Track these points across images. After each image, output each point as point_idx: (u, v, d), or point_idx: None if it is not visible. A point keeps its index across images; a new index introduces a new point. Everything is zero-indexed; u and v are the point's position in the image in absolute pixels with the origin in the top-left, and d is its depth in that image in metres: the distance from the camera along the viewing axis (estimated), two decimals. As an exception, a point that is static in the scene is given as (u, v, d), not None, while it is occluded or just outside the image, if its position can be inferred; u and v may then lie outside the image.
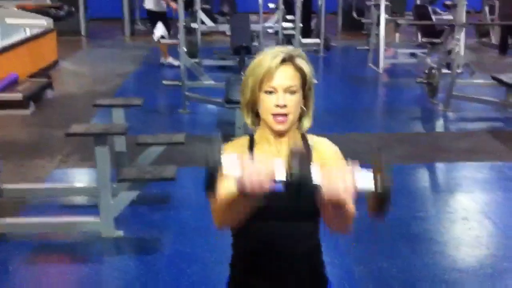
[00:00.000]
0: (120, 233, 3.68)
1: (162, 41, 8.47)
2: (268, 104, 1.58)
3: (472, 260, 3.51)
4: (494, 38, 11.32)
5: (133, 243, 3.68)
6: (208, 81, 6.79)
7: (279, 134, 1.64)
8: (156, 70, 9.38)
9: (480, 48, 10.99)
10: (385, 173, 1.29)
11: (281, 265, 1.67)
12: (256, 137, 1.69)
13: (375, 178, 1.30)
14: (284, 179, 1.28)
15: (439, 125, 6.62)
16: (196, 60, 8.11)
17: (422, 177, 5.05)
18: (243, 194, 1.30)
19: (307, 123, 1.69)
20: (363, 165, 1.34)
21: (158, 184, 3.96)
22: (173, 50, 9.36)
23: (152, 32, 9.35)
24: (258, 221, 1.61)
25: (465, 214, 4.12)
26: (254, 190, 1.28)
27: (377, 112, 7.17)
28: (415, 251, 3.61)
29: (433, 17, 9.34)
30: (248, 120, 1.68)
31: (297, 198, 1.26)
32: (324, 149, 1.68)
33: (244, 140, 1.70)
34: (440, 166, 5.12)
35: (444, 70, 7.18)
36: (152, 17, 9.42)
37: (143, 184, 3.65)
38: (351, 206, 1.45)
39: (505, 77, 6.53)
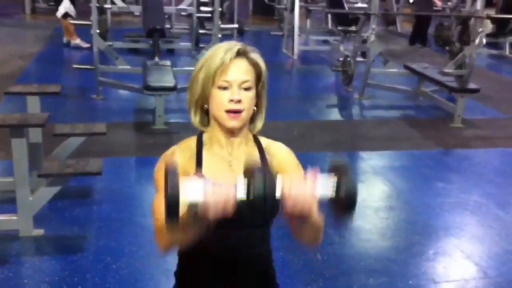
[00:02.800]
0: (41, 231, 3.42)
1: (72, 21, 8.00)
2: (221, 99, 1.49)
3: (400, 248, 3.59)
4: (399, 27, 11.77)
5: (55, 241, 3.44)
6: (123, 66, 6.49)
7: (231, 133, 1.55)
8: (62, 52, 8.90)
9: (387, 37, 11.37)
10: (348, 178, 1.27)
11: (233, 270, 1.59)
12: (205, 137, 1.58)
13: (337, 184, 1.28)
14: (245, 197, 1.25)
15: (356, 113, 6.77)
16: (107, 43, 7.75)
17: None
18: (205, 218, 1.25)
19: (259, 123, 1.62)
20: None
21: (77, 177, 3.73)
22: (79, 31, 8.91)
23: (56, 8, 8.80)
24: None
25: (389, 203, 4.23)
26: (218, 214, 1.24)
27: (295, 99, 7.20)
28: (345, 240, 3.65)
29: (345, 5, 9.52)
30: (196, 119, 1.57)
31: (260, 216, 1.26)
32: (278, 152, 1.62)
33: (191, 142, 1.58)
34: (360, 154, 5.22)
35: (359, 58, 7.34)
36: None
37: (65, 179, 3.40)
38: (317, 218, 1.44)
39: (417, 67, 6.77)
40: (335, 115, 6.58)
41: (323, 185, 1.28)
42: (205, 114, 1.56)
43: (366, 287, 3.16)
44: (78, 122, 4.37)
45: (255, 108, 1.56)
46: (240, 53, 1.50)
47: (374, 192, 4.46)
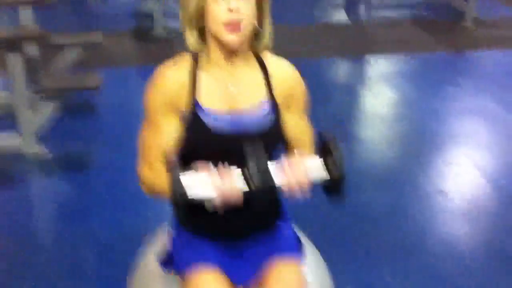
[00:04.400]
0: (44, 148, 3.37)
1: None
2: (217, 12, 1.34)
3: (408, 157, 3.53)
4: None
5: (59, 158, 3.39)
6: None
7: (231, 51, 1.41)
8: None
9: None
10: (337, 157, 1.33)
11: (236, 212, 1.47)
12: (202, 59, 1.45)
13: (326, 165, 1.35)
14: (246, 188, 1.31)
15: (363, 14, 6.51)
16: None
17: (355, 70, 4.97)
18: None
19: (264, 40, 1.46)
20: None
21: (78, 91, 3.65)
22: None
23: None
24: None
25: (397, 110, 4.15)
26: (224, 206, 1.32)
27: (298, 0, 6.92)
28: (352, 151, 3.59)
29: None
30: (192, 40, 1.42)
31: (261, 203, 1.31)
32: (284, 79, 1.49)
33: (185, 62, 1.45)
34: (368, 58, 5.06)
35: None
36: None
37: (63, 93, 3.31)
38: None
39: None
40: (341, 16, 6.33)
41: (314, 168, 1.35)
42: (201, 33, 1.42)
43: (374, 198, 3.14)
44: (74, 32, 4.21)
45: (256, 24, 1.41)
46: None
47: (381, 99, 4.36)
